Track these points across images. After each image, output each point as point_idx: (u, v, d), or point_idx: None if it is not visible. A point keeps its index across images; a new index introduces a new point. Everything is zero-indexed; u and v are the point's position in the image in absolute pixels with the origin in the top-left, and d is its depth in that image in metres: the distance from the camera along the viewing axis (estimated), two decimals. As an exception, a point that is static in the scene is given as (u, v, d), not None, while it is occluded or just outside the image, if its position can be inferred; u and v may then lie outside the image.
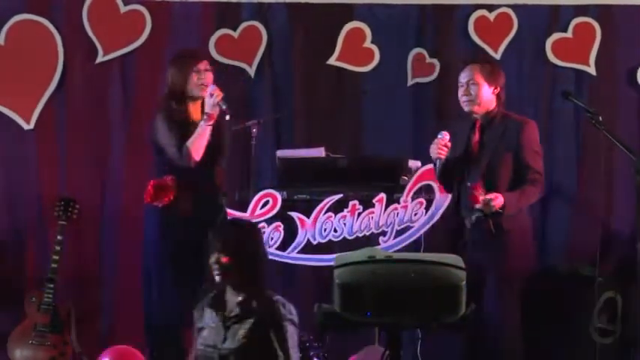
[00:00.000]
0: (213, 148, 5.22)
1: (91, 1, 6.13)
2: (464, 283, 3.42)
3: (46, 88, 6.14)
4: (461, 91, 5.22)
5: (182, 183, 5.15)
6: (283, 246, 5.55)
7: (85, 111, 6.17)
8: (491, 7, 6.22)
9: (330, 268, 3.45)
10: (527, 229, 5.22)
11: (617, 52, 6.23)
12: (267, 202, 5.48)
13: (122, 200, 6.06)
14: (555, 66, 6.23)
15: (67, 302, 5.80)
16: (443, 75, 6.19)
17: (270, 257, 5.53)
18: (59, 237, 5.76)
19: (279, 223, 5.51)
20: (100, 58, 6.15)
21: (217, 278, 4.27)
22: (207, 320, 4.30)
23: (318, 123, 6.22)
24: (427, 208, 5.51)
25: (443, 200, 5.50)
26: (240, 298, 4.25)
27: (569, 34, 6.23)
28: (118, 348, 5.62)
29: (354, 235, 5.49)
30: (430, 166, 5.49)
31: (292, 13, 6.20)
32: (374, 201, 5.50)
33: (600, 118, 5.20)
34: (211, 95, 5.16)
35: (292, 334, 4.23)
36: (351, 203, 5.49)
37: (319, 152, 5.77)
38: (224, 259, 4.22)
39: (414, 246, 5.56)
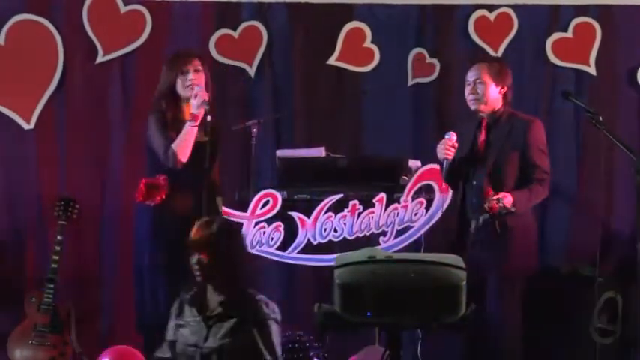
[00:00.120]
0: (208, 147, 5.21)
1: (91, 1, 6.13)
2: (464, 283, 3.42)
3: (46, 88, 6.14)
4: (468, 90, 5.23)
5: (175, 182, 5.15)
6: (283, 246, 5.54)
7: (85, 111, 6.17)
8: (491, 7, 6.22)
9: (330, 268, 3.45)
10: (531, 228, 5.23)
11: (617, 52, 6.23)
12: (267, 202, 5.48)
13: (122, 200, 6.06)
14: (555, 66, 6.23)
15: (67, 302, 5.80)
16: (443, 75, 6.20)
17: (270, 257, 5.55)
18: (59, 237, 5.76)
19: (279, 223, 5.51)
20: (100, 58, 6.15)
21: (198, 279, 4.25)
22: (188, 318, 4.28)
23: (318, 123, 6.22)
24: (427, 208, 5.51)
25: (443, 200, 5.50)
26: (221, 298, 4.24)
27: (569, 34, 6.23)
28: (118, 348, 5.62)
29: (355, 235, 5.49)
30: (430, 165, 5.50)
31: (292, 13, 6.20)
32: (374, 201, 5.50)
33: (600, 118, 5.21)
34: (195, 96, 5.15)
35: (276, 332, 4.21)
36: (351, 203, 5.49)
37: (319, 152, 5.77)
38: (204, 258, 4.20)
39: (414, 246, 5.56)
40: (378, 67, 6.22)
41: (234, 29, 6.20)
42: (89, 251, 6.14)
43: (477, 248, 5.09)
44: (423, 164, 5.57)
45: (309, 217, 5.50)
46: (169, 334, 4.35)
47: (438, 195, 5.51)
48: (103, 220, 6.15)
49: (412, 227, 5.54)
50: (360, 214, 5.49)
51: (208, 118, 5.13)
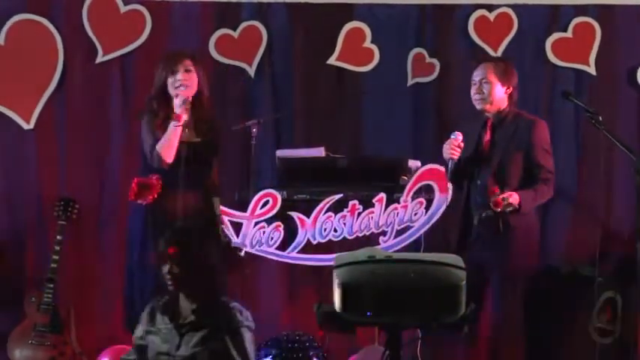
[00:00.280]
0: (202, 147, 5.20)
1: (91, 1, 6.13)
2: (464, 283, 3.42)
3: (45, 88, 6.13)
4: (473, 90, 5.23)
5: (168, 182, 5.14)
6: (283, 246, 5.54)
7: (84, 111, 6.17)
8: (491, 7, 6.22)
9: (330, 268, 3.45)
10: (533, 227, 5.23)
11: (617, 52, 6.23)
12: (267, 202, 5.48)
13: (121, 200, 6.06)
14: (555, 66, 6.23)
15: (67, 302, 5.80)
16: (443, 75, 6.20)
17: (270, 257, 5.55)
18: (59, 237, 5.76)
19: (279, 223, 5.50)
20: (99, 58, 6.15)
21: (170, 288, 4.21)
22: (160, 326, 4.23)
23: (317, 123, 6.22)
24: (427, 208, 5.51)
25: (443, 200, 5.50)
26: (194, 306, 4.19)
27: (569, 34, 6.23)
28: (117, 348, 5.62)
29: (354, 235, 5.49)
30: (430, 165, 5.50)
31: (292, 12, 6.20)
32: (374, 201, 5.50)
33: (600, 118, 5.21)
34: (177, 96, 5.15)
35: (249, 340, 4.17)
36: (351, 203, 5.49)
37: (319, 152, 5.76)
38: (175, 268, 4.15)
39: (414, 246, 5.56)
40: (377, 67, 6.21)
41: (234, 29, 6.20)
42: (89, 251, 6.13)
43: (479, 247, 5.09)
44: (423, 164, 5.57)
45: (308, 217, 5.50)
46: (137, 340, 4.30)
47: (437, 195, 5.50)
48: (103, 220, 6.14)
49: (412, 227, 5.53)
50: (359, 214, 5.49)
51: (185, 117, 5.09)
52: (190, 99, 5.16)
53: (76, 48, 6.16)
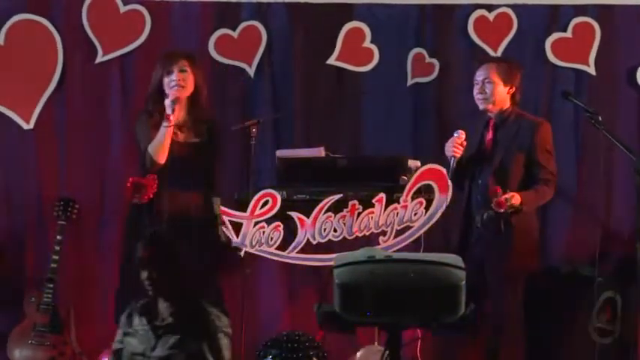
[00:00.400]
0: (202, 148, 5.20)
1: (91, 1, 6.13)
2: (463, 283, 3.42)
3: (45, 88, 6.13)
4: (476, 89, 5.25)
5: (165, 182, 5.14)
6: (283, 246, 5.54)
7: (84, 111, 6.17)
8: (490, 7, 6.22)
9: (330, 268, 3.45)
10: (533, 227, 5.24)
11: (617, 52, 6.23)
12: (266, 202, 5.47)
13: (121, 200, 6.05)
14: (555, 66, 6.23)
15: (66, 302, 5.80)
16: (442, 75, 6.20)
17: (270, 257, 5.55)
18: (59, 237, 5.76)
19: (278, 223, 5.50)
20: (99, 58, 6.15)
21: (150, 293, 4.21)
22: (137, 327, 4.22)
23: (317, 123, 6.22)
24: (427, 208, 5.50)
25: (443, 200, 5.49)
26: (173, 309, 4.18)
27: (568, 34, 6.23)
28: (117, 348, 5.62)
29: (354, 235, 5.48)
30: (430, 165, 5.49)
31: (292, 12, 6.20)
32: (374, 201, 5.49)
33: (600, 118, 5.22)
34: (167, 96, 5.14)
35: (226, 346, 4.16)
36: (350, 203, 5.48)
37: (319, 152, 5.76)
38: (154, 274, 4.15)
39: (414, 246, 5.56)
40: (377, 67, 6.21)
41: (234, 29, 6.20)
42: (89, 251, 6.13)
43: (479, 246, 5.10)
44: (423, 164, 5.56)
45: (308, 217, 5.49)
46: (116, 344, 4.29)
47: (437, 195, 5.50)
48: (103, 220, 6.14)
49: (412, 227, 5.52)
50: (359, 213, 5.48)
51: (172, 117, 5.08)
52: (182, 99, 5.15)
53: (75, 48, 6.16)
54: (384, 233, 5.51)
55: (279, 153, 5.76)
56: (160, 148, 5.10)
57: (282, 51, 6.22)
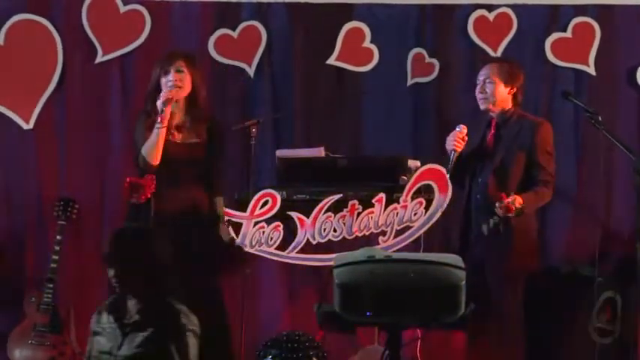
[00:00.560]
0: (202, 148, 5.19)
1: (91, 1, 6.13)
2: (463, 283, 3.42)
3: (45, 88, 6.14)
4: (477, 89, 5.26)
5: (163, 182, 5.13)
6: (283, 246, 5.54)
7: (84, 111, 6.17)
8: (490, 7, 6.22)
9: (330, 268, 3.45)
10: (532, 227, 5.24)
11: (617, 52, 6.23)
12: (266, 202, 5.47)
13: (121, 200, 6.05)
14: (555, 66, 6.23)
15: (66, 302, 5.80)
16: (442, 75, 6.20)
17: (270, 257, 5.55)
18: (59, 237, 5.76)
19: (278, 223, 5.49)
20: (99, 58, 6.15)
21: (117, 290, 4.18)
22: (104, 325, 4.18)
23: (317, 123, 6.23)
24: (427, 208, 5.50)
25: (442, 200, 5.49)
26: (140, 306, 4.14)
27: (568, 34, 6.23)
28: (117, 348, 5.62)
29: (354, 235, 5.48)
30: (430, 165, 5.49)
31: (292, 12, 6.21)
32: (373, 201, 5.49)
33: (600, 118, 5.22)
34: (160, 97, 5.13)
35: (193, 345, 4.10)
36: (350, 203, 5.48)
37: (319, 152, 5.76)
38: (119, 271, 4.12)
39: (414, 246, 5.56)
40: (377, 67, 6.22)
41: (234, 29, 6.20)
42: (89, 251, 6.13)
43: (479, 246, 5.10)
44: (423, 164, 5.56)
45: (308, 216, 5.49)
46: (88, 347, 4.24)
47: (437, 195, 5.50)
48: (103, 220, 6.14)
49: (411, 227, 5.52)
50: (359, 213, 5.48)
51: (161, 118, 5.06)
52: (177, 99, 5.13)
53: (75, 48, 6.16)
54: (383, 233, 5.51)
55: (279, 153, 5.76)
56: (152, 150, 5.07)
57: (282, 51, 6.23)
